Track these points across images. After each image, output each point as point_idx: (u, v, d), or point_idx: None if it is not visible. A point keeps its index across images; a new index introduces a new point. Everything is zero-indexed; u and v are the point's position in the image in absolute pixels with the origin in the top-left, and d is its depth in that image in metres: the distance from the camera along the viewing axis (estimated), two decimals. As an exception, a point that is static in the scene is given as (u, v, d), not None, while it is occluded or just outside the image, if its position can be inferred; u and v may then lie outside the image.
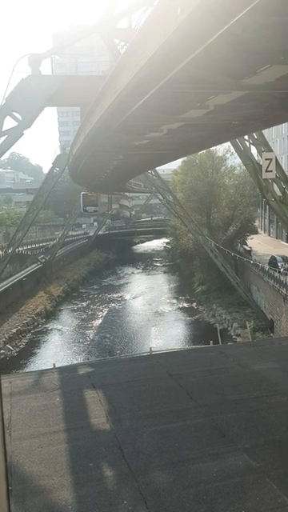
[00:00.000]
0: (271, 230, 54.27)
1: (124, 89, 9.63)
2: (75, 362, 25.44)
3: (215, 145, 25.26)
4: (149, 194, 77.20)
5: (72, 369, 10.84)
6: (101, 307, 41.42)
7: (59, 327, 35.95)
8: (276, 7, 5.85)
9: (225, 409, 7.32)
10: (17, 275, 38.54)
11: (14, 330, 31.91)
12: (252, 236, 43.29)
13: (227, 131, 15.49)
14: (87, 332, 34.22)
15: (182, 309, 39.24)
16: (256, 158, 21.26)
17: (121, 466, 5.80)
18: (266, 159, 17.21)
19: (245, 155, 20.69)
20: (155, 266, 63.88)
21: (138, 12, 15.48)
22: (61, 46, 17.31)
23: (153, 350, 13.10)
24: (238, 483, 5.33)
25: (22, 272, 40.21)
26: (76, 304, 43.25)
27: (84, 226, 78.62)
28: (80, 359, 27.12)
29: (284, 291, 25.79)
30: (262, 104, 11.67)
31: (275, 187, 20.59)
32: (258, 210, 54.39)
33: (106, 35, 16.58)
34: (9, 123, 14.53)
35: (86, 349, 30.31)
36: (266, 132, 22.10)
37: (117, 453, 6.12)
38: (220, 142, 20.96)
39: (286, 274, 28.51)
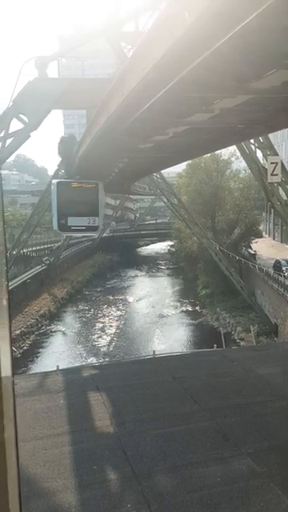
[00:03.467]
0: (276, 234, 54.12)
1: (131, 91, 9.63)
2: (79, 364, 25.43)
3: (220, 148, 25.20)
4: (153, 197, 77.23)
5: (76, 371, 10.86)
6: (104, 309, 41.38)
7: (63, 329, 35.96)
8: (282, 9, 5.85)
9: (229, 413, 7.30)
10: (21, 277, 38.59)
11: (18, 332, 31.93)
12: (257, 239, 43.19)
13: (232, 135, 15.46)
14: (91, 334, 34.20)
15: (186, 312, 39.15)
16: (261, 162, 21.25)
17: (124, 469, 5.79)
18: (272, 163, 17.24)
19: (250, 159, 20.70)
20: (159, 268, 63.83)
21: (144, 16, 15.56)
22: (67, 49, 17.38)
23: (156, 353, 13.08)
24: (242, 488, 5.31)
25: (27, 273, 40.24)
26: (80, 306, 43.24)
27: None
28: (84, 361, 27.10)
29: (288, 295, 25.71)
30: (266, 108, 11.66)
31: (280, 191, 20.59)
32: (263, 214, 54.31)
33: (112, 38, 16.64)
34: (15, 125, 14.63)
35: (89, 351, 30.29)
36: (271, 136, 22.08)
37: (120, 456, 6.11)
38: (225, 146, 20.91)
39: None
